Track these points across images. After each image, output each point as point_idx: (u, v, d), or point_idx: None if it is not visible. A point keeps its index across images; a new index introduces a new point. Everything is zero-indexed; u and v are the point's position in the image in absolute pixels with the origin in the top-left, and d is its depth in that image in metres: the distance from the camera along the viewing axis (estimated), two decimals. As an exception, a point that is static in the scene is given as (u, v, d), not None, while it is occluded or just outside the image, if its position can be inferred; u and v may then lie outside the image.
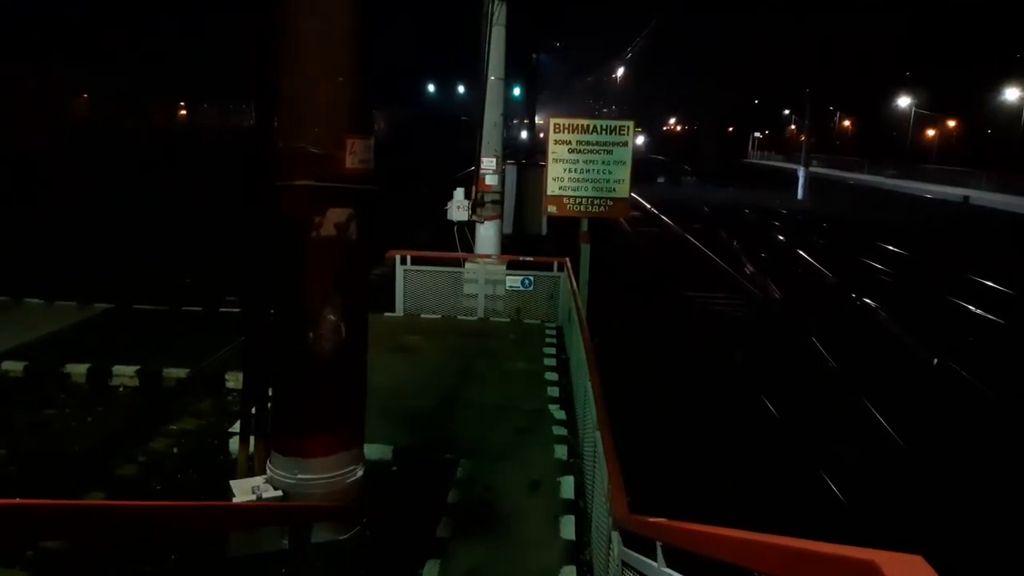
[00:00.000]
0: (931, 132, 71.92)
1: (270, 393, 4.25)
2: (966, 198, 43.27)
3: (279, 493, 4.01)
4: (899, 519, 7.87)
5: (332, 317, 3.90)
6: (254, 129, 4.22)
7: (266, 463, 4.20)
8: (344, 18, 3.78)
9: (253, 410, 4.31)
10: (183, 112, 43.23)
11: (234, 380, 7.56)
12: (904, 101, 70.72)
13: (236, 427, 6.13)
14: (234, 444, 5.85)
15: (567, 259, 11.36)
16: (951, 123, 71.50)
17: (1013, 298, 18.04)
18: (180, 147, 36.33)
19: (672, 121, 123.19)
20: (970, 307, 16.84)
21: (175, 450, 6.48)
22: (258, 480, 4.13)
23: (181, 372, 7.86)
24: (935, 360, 13.00)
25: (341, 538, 4.06)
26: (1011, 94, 58.89)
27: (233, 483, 4.12)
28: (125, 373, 7.81)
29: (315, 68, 3.78)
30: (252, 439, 4.35)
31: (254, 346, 4.30)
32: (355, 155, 3.84)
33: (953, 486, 8.60)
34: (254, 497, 3.95)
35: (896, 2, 66.78)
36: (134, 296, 10.69)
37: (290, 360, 4.03)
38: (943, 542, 7.31)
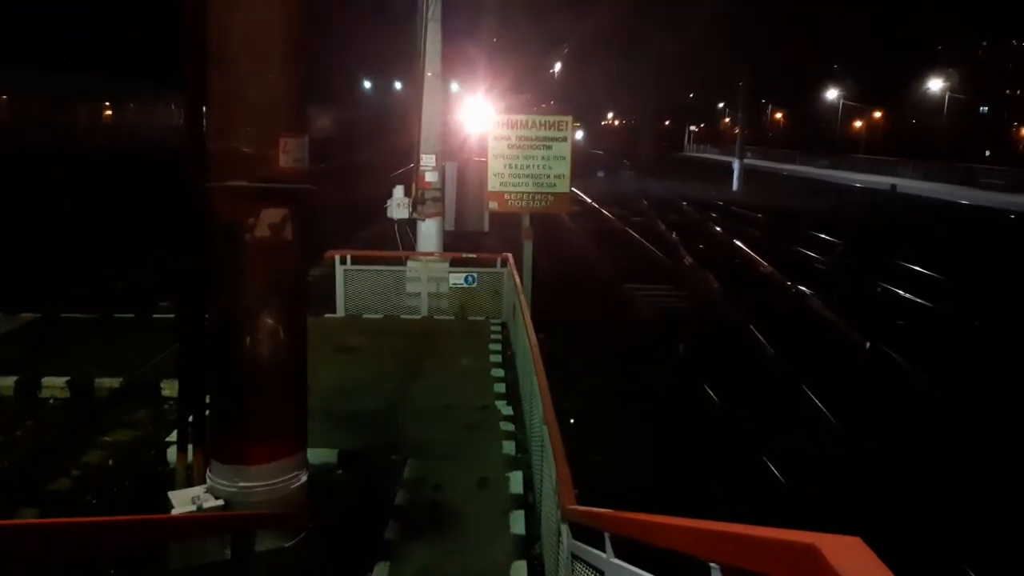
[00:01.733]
0: (859, 123, 74.33)
1: (208, 400, 4.14)
2: (893, 186, 44.89)
3: (220, 502, 3.91)
4: (837, 499, 8.10)
5: (270, 320, 3.82)
6: (184, 128, 4.10)
7: (206, 472, 4.09)
8: (274, 14, 3.69)
9: (190, 418, 4.20)
10: (108, 112, 41.78)
11: (170, 388, 7.35)
12: (832, 93, 72.91)
13: (173, 436, 5.96)
14: (172, 454, 5.68)
15: (510, 255, 11.37)
16: (877, 114, 74.01)
17: (940, 282, 18.75)
18: (105, 147, 35.16)
19: (610, 116, 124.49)
20: (900, 292, 17.44)
21: (110, 462, 6.27)
22: (198, 490, 4.02)
23: (114, 381, 7.62)
24: (868, 344, 13.42)
25: (286, 545, 3.99)
26: (934, 84, 61.25)
27: (172, 494, 4.01)
28: (55, 384, 7.53)
29: (245, 66, 3.69)
30: (190, 448, 4.23)
31: (190, 352, 4.18)
32: (288, 154, 3.76)
33: (887, 466, 8.89)
34: (194, 507, 3.85)
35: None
36: (62, 304, 10.30)
37: (228, 366, 3.93)
38: (879, 518, 7.57)
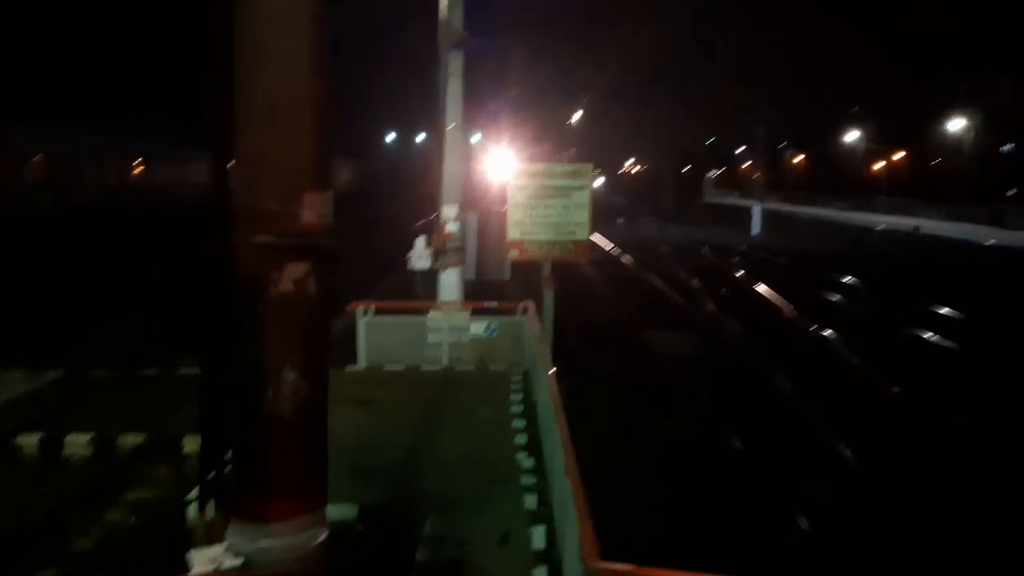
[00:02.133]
0: (880, 164, 74.17)
1: (228, 457, 4.13)
2: (916, 228, 44.55)
3: (240, 561, 3.87)
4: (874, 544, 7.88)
5: (292, 375, 3.82)
6: (211, 186, 4.17)
7: (226, 530, 4.06)
8: (299, 78, 3.78)
9: (211, 475, 4.18)
10: (138, 170, 42.83)
11: (192, 445, 7.36)
12: (853, 135, 72.97)
13: (194, 494, 5.95)
14: (192, 512, 5.66)
15: (531, 303, 11.37)
16: (899, 155, 73.82)
17: (966, 323, 18.44)
18: (136, 205, 35.96)
19: (630, 162, 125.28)
20: (927, 335, 17.17)
21: (131, 520, 6.26)
22: (218, 549, 3.98)
23: (137, 438, 7.64)
24: (895, 389, 13.18)
25: (306, 605, 3.93)
26: (954, 125, 61.14)
27: (191, 553, 3.97)
28: (78, 442, 7.56)
29: (270, 126, 3.77)
30: (211, 505, 4.21)
31: (212, 408, 4.18)
32: (313, 210, 3.81)
33: (921, 512, 8.65)
34: (214, 567, 3.81)
35: (841, 39, 69.15)
36: (88, 362, 10.40)
37: (249, 421, 3.93)
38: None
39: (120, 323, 14.68)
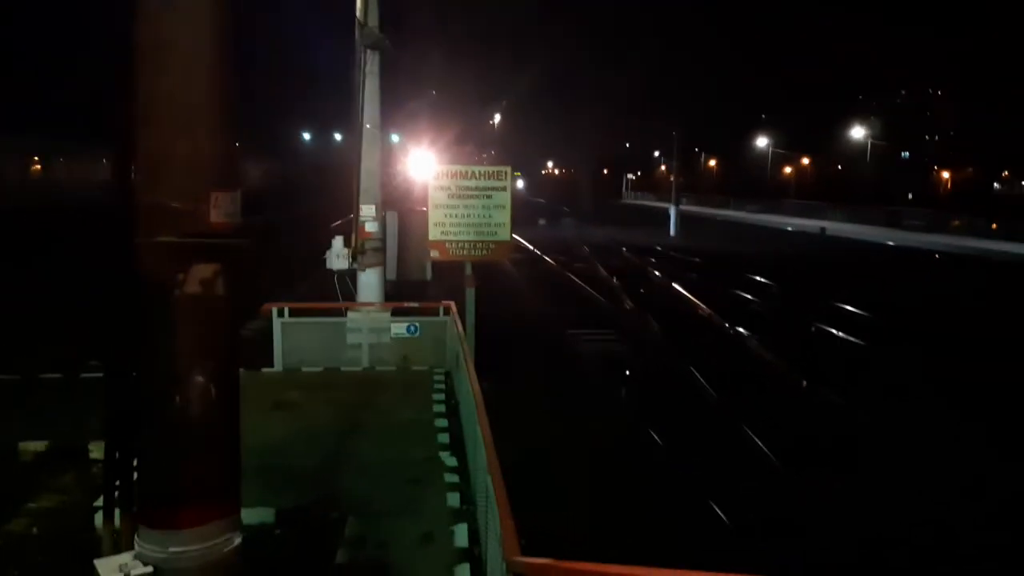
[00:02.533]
0: (788, 169, 77.19)
1: (136, 463, 3.99)
2: (823, 229, 46.51)
3: (149, 569, 3.73)
4: (779, 538, 8.19)
5: (201, 379, 3.71)
6: (113, 184, 4.02)
7: (134, 538, 3.92)
8: (201, 74, 3.68)
9: (117, 482, 4.03)
10: (37, 167, 40.78)
11: (98, 451, 7.03)
12: (762, 141, 75.71)
13: (101, 501, 5.72)
14: (99, 520, 5.44)
15: (452, 303, 11.36)
16: (805, 160, 77.01)
17: (871, 321, 19.37)
18: (33, 203, 34.23)
19: (550, 165, 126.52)
20: (834, 331, 17.96)
21: (35, 530, 5.97)
22: (126, 556, 3.83)
23: (40, 445, 7.28)
24: (804, 383, 13.74)
25: (220, 612, 3.82)
26: (856, 132, 64.18)
27: (98, 562, 3.82)
28: (-25, 450, 7.16)
29: (172, 124, 3.65)
30: (117, 513, 4.06)
31: (117, 413, 4.03)
32: (220, 209, 3.70)
33: (830, 500, 9.04)
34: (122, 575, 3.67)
35: (749, 48, 71.74)
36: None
37: (157, 427, 3.80)
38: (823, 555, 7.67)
39: (21, 325, 13.94)
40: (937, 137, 74.00)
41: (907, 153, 73.71)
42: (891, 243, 39.88)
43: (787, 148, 74.04)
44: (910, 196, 61.02)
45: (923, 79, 70.42)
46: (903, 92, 73.95)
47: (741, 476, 9.86)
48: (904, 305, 21.88)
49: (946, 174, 72.81)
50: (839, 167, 73.24)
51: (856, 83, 68.99)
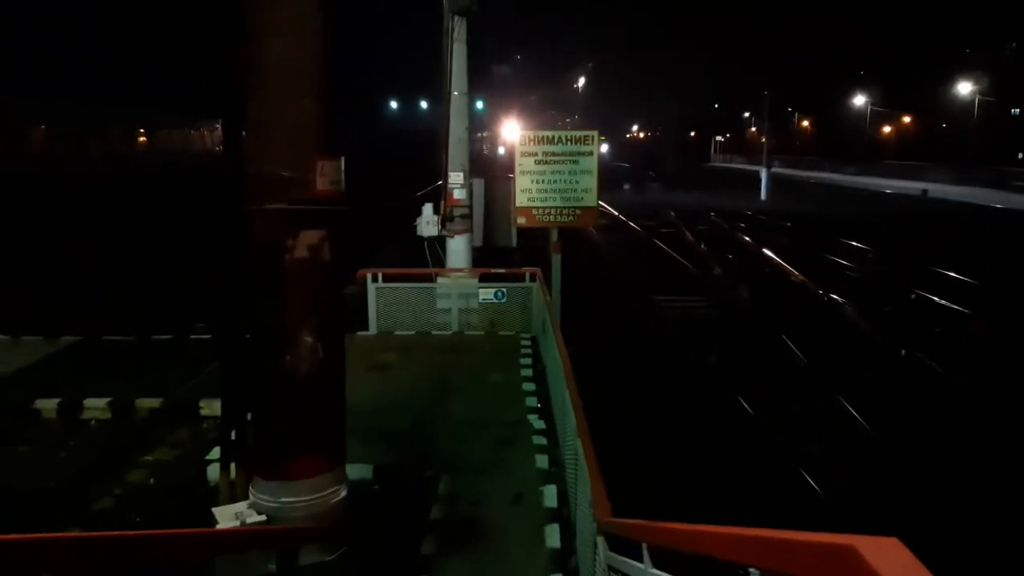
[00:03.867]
0: (887, 128, 73.51)
1: (248, 418, 4.23)
2: (925, 191, 44.22)
3: (263, 517, 3.99)
4: (879, 510, 8.01)
5: (309, 339, 3.90)
6: (223, 154, 4.22)
7: (248, 488, 4.18)
8: (308, 42, 3.81)
9: (232, 435, 4.29)
10: (143, 139, 42.74)
11: (208, 408, 7.49)
12: (860, 99, 72.24)
13: (213, 454, 6.08)
14: (212, 472, 5.79)
15: (538, 269, 11.43)
16: (906, 119, 73.10)
17: (975, 287, 18.44)
18: (141, 173, 35.91)
19: (635, 128, 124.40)
20: (935, 298, 17.19)
21: (152, 481, 6.40)
22: (241, 506, 4.10)
23: (154, 402, 7.77)
24: (903, 351, 13.25)
25: (328, 559, 4.05)
26: (963, 88, 60.43)
27: (216, 510, 4.10)
28: (96, 406, 7.70)
29: (281, 92, 3.80)
30: (232, 465, 4.33)
31: (231, 371, 4.28)
32: (325, 176, 3.86)
33: (921, 471, 8.78)
34: (238, 523, 3.93)
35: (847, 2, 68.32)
36: (103, 327, 10.54)
37: (268, 383, 4.03)
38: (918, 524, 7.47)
39: (136, 289, 14.80)
40: (1052, 92, 68.93)
41: (1017, 110, 69.04)
42: (999, 205, 37.65)
43: (887, 106, 70.45)
44: (1021, 156, 57.29)
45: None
46: (1013, 45, 69.07)
47: (828, 441, 9.67)
48: (1006, 270, 20.69)
49: (1062, 131, 67.93)
50: (943, 126, 69.25)
51: (962, 35, 64.85)
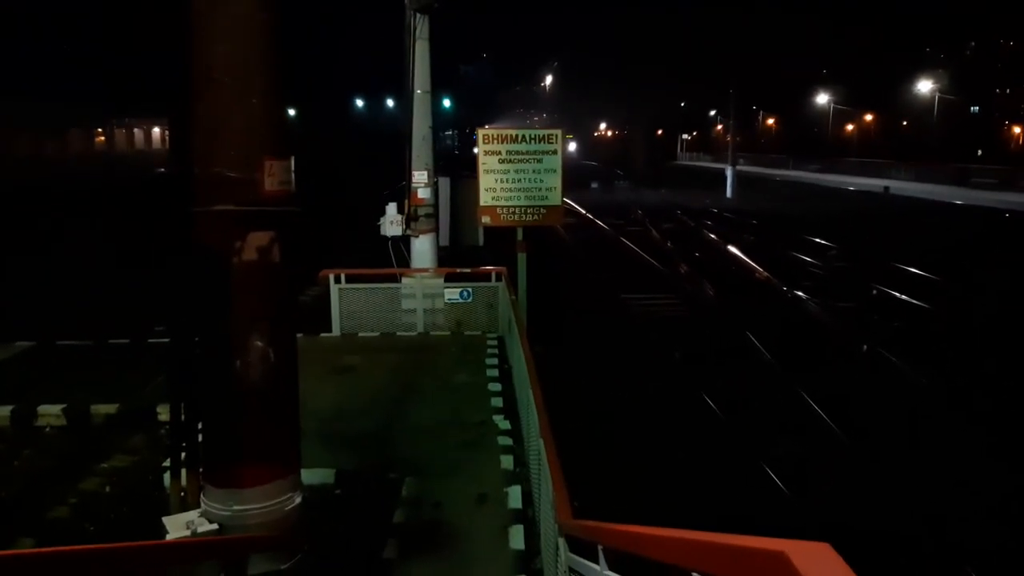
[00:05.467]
0: (850, 127, 74.58)
1: (200, 425, 4.14)
2: (886, 188, 44.94)
3: (215, 526, 3.90)
4: (845, 509, 8.10)
5: (259, 343, 3.83)
6: (170, 155, 4.13)
7: (200, 496, 4.09)
8: (255, 42, 3.73)
9: (183, 443, 4.20)
10: (101, 139, 41.94)
11: (166, 413, 7.32)
12: (823, 98, 73.21)
13: (169, 462, 5.95)
14: (168, 479, 5.68)
15: (505, 268, 11.40)
16: (869, 117, 74.23)
17: (935, 283, 18.75)
18: (95, 175, 35.26)
19: (603, 127, 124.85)
20: (896, 294, 17.46)
21: (107, 489, 6.26)
22: (192, 514, 4.01)
23: (110, 408, 7.60)
24: (865, 347, 13.44)
25: (282, 567, 3.97)
26: (924, 86, 61.49)
27: (166, 519, 4.00)
28: (51, 412, 7.52)
29: (228, 92, 3.72)
30: (183, 472, 4.23)
31: (181, 377, 4.18)
32: (274, 177, 3.78)
33: (892, 474, 8.88)
34: (188, 532, 3.84)
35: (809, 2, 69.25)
36: (58, 332, 10.30)
37: (219, 389, 3.94)
38: (875, 523, 7.57)
39: (87, 294, 14.48)
40: (1009, 91, 70.44)
41: (977, 108, 70.44)
42: (959, 202, 38.36)
43: (849, 104, 71.47)
44: (979, 153, 58.44)
45: (993, 29, 66.97)
46: (972, 44, 70.47)
47: (793, 439, 9.74)
48: (968, 266, 21.10)
49: (1018, 129, 69.43)
50: (904, 124, 70.43)
51: (922, 35, 66.02)
